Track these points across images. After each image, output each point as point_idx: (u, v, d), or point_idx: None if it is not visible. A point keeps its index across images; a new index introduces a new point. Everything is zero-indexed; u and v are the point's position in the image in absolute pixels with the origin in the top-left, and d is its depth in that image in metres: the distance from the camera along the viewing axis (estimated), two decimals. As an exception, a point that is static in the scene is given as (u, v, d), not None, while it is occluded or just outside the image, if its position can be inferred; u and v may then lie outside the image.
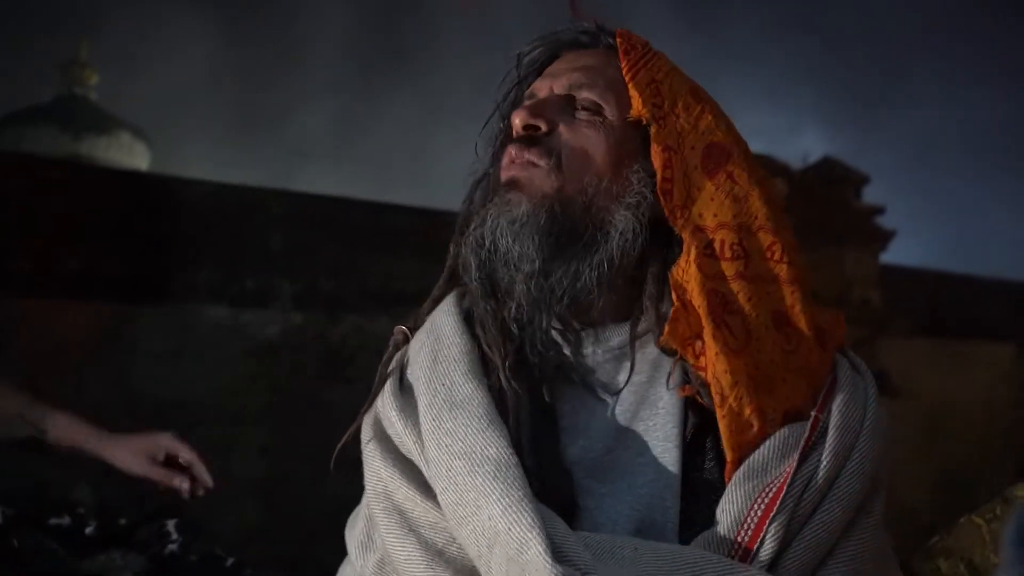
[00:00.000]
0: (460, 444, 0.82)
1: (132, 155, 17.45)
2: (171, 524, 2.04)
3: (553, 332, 0.90)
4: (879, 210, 8.14)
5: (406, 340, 0.99)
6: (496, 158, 0.98)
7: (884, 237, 8.06)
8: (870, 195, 8.10)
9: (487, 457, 0.80)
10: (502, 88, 1.02)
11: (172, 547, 2.24)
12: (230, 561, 2.30)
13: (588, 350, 0.90)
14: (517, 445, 0.83)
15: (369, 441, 0.93)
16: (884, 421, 0.89)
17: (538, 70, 1.00)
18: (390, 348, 1.00)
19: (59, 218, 4.21)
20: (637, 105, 0.91)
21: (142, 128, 18.07)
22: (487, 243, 0.88)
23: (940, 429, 7.80)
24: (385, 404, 0.93)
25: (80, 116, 16.86)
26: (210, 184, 5.14)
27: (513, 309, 0.87)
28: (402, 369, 0.96)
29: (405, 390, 0.93)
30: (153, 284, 4.38)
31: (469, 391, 0.86)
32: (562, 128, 0.91)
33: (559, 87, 0.95)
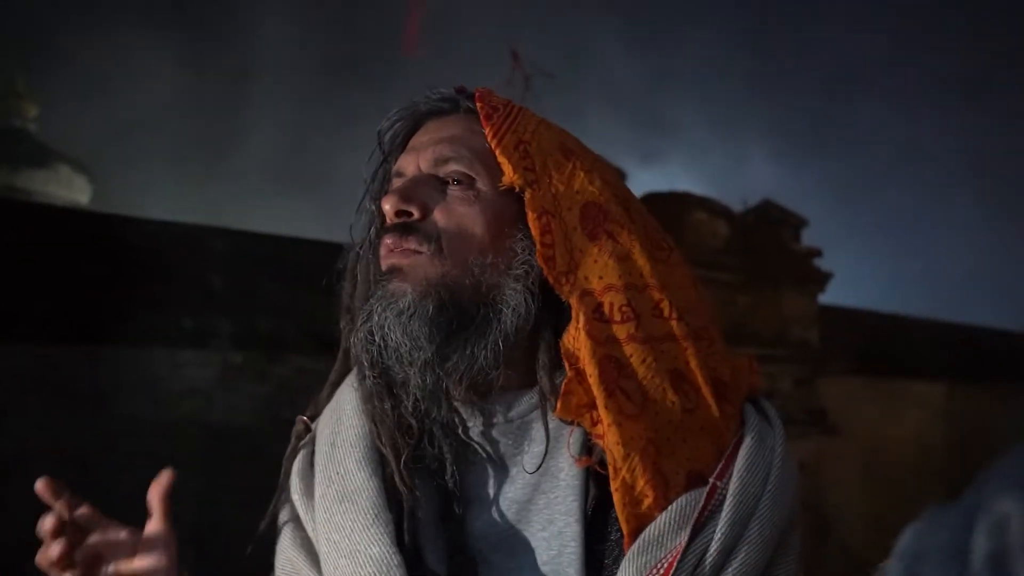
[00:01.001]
0: (346, 541, 0.83)
1: (71, 189, 17.07)
2: None
3: (455, 407, 0.88)
4: (816, 252, 8.38)
5: (307, 430, 0.97)
6: (372, 244, 0.95)
7: (821, 278, 8.30)
8: (809, 237, 8.34)
9: (370, 557, 0.80)
10: (369, 166, 0.98)
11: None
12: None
13: (491, 421, 0.88)
14: (414, 536, 0.83)
15: (285, 523, 0.93)
16: (791, 481, 0.86)
17: (402, 144, 0.97)
18: (292, 440, 0.97)
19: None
20: (508, 172, 0.88)
21: (85, 161, 17.72)
22: (376, 339, 0.85)
23: (876, 467, 7.97)
24: (292, 486, 0.93)
25: (17, 148, 16.47)
26: (150, 222, 5.04)
27: (410, 404, 0.86)
28: (313, 443, 0.95)
29: (312, 470, 0.93)
30: (84, 324, 4.25)
31: (360, 481, 0.86)
32: (436, 210, 0.89)
33: (425, 162, 0.91)
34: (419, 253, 0.86)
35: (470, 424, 0.88)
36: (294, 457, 0.96)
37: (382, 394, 0.87)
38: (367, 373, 0.87)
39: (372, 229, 0.95)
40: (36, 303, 4.15)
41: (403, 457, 0.85)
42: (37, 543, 0.85)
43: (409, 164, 0.93)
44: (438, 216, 0.88)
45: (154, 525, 0.89)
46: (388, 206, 0.89)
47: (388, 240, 0.88)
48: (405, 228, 0.88)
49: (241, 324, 4.70)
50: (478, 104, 0.93)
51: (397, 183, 0.93)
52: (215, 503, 4.20)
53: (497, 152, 0.89)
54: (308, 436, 0.97)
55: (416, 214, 0.88)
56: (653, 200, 7.43)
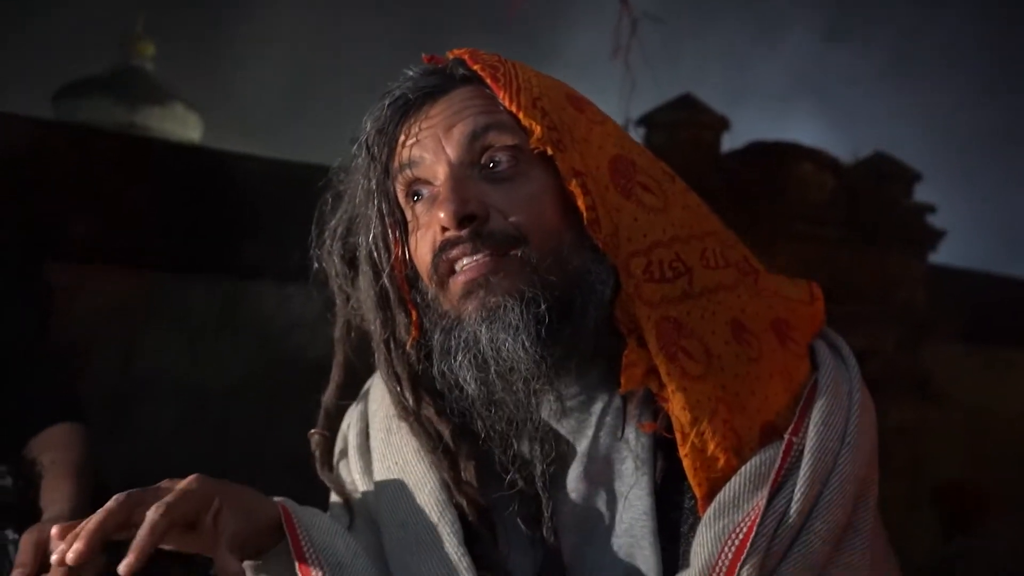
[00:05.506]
0: (412, 537, 0.83)
1: (185, 126, 17.81)
2: None
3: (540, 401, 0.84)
4: (930, 208, 7.96)
5: (326, 439, 0.98)
6: (408, 262, 0.86)
7: (934, 236, 7.90)
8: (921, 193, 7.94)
9: (440, 558, 0.80)
10: (365, 172, 0.86)
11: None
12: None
13: (561, 401, 0.83)
14: (489, 528, 0.83)
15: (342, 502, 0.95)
16: (870, 428, 0.81)
17: (390, 139, 0.84)
18: (317, 456, 0.97)
19: (111, 188, 4.31)
20: (536, 133, 0.79)
21: (197, 99, 18.40)
22: (492, 366, 0.77)
23: (982, 439, 7.63)
24: (352, 465, 0.95)
25: (136, 87, 17.22)
26: (258, 159, 5.21)
27: (529, 425, 0.81)
28: (365, 419, 0.97)
29: (369, 453, 0.94)
30: (198, 255, 4.47)
31: (420, 474, 0.85)
32: (500, 204, 0.79)
33: (454, 145, 0.80)
34: (508, 257, 0.78)
35: (548, 412, 0.83)
36: (330, 471, 0.96)
37: (497, 421, 0.82)
38: (477, 405, 0.81)
39: (392, 232, 0.86)
40: (151, 234, 4.38)
41: (478, 499, 0.83)
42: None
43: (430, 154, 0.81)
44: (506, 209, 0.79)
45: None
46: (444, 215, 0.78)
47: (461, 252, 0.79)
48: (479, 235, 0.78)
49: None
50: (475, 66, 0.82)
51: (416, 175, 0.82)
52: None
53: (520, 115, 0.79)
54: (357, 416, 0.99)
55: (480, 216, 0.78)
56: (758, 150, 7.18)
